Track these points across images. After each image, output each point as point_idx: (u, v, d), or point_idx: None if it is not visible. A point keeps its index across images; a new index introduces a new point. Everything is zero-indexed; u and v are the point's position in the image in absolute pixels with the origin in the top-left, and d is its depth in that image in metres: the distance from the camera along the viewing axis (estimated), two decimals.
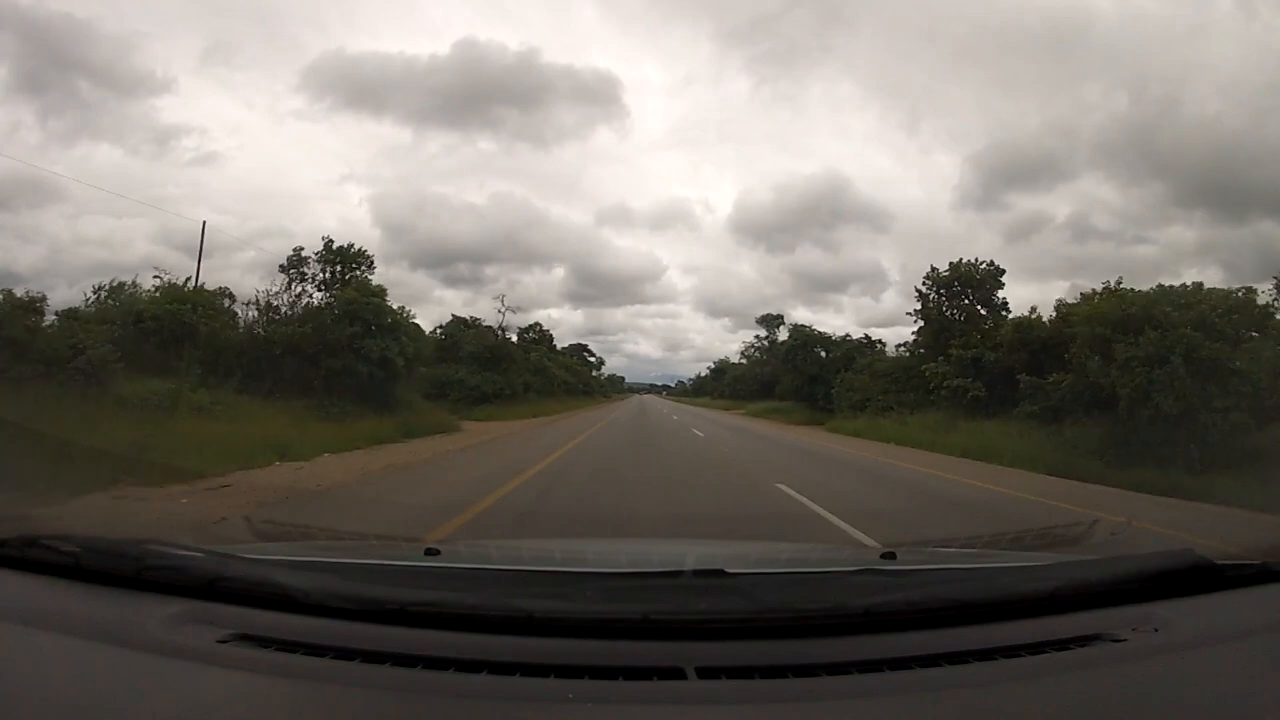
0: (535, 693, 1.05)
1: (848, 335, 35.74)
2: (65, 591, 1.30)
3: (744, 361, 62.92)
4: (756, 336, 59.86)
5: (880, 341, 33.48)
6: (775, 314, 56.68)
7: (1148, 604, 1.35)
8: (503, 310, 38.06)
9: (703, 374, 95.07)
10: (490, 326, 35.38)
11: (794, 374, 35.64)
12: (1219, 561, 1.44)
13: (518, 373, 32.75)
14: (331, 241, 19.29)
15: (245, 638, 1.15)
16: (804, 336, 37.03)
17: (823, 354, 34.86)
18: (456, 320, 35.62)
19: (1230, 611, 1.38)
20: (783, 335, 47.53)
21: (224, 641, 1.14)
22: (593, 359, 79.18)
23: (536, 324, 50.10)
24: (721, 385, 69.39)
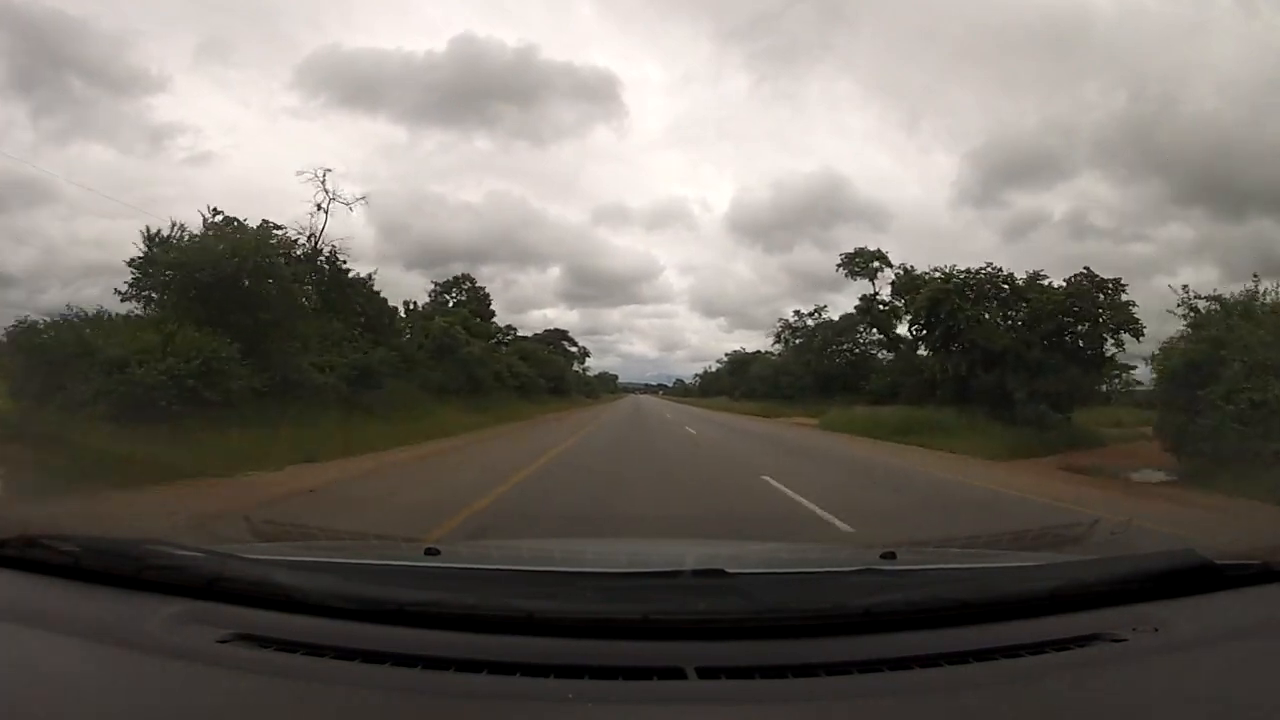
0: (535, 693, 1.05)
1: (1038, 273, 17.77)
2: (65, 591, 1.30)
3: (778, 350, 43.87)
4: (796, 313, 41.30)
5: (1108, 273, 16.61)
6: (874, 250, 32.48)
7: (1148, 604, 1.35)
8: (324, 204, 17.21)
9: (711, 369, 79.58)
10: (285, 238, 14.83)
11: (946, 356, 18.18)
12: (1219, 561, 1.44)
13: (286, 348, 13.27)
14: None
15: (245, 638, 1.15)
16: (940, 291, 18.16)
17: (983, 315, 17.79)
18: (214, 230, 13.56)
19: (1230, 611, 1.38)
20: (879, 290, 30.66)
21: (224, 641, 1.14)
22: (574, 349, 65.10)
23: (465, 277, 34.20)
24: (745, 382, 52.09)
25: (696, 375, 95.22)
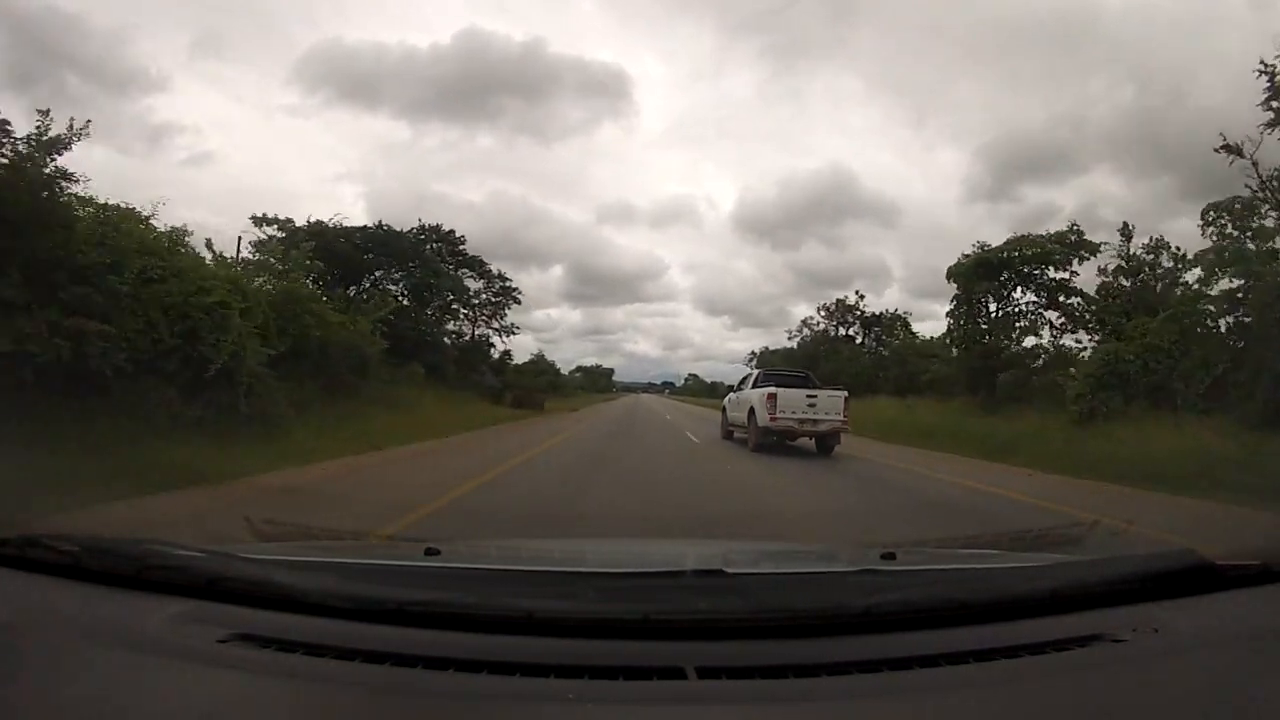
0: (535, 693, 1.05)
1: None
2: (65, 591, 1.30)
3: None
4: None
5: None
6: None
7: (1148, 604, 1.35)
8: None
9: (764, 351, 50.58)
10: None
11: None
12: (1219, 562, 1.45)
13: None
14: None
15: (245, 638, 1.15)
16: None
17: None
18: None
19: (1230, 612, 1.38)
20: None
21: (224, 641, 1.14)
22: (475, 281, 31.78)
23: None
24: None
25: (749, 355, 56.70)
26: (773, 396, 13.23)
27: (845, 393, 13.86)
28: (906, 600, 1.30)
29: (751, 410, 13.89)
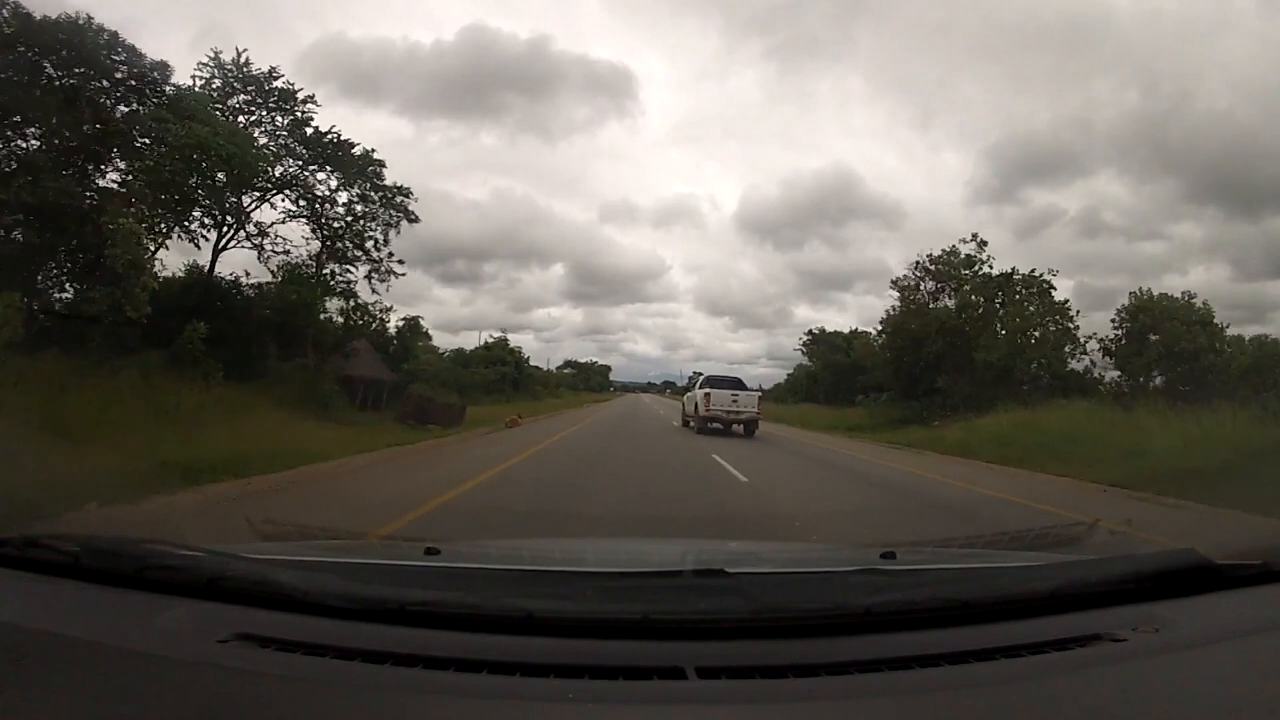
0: (535, 692, 1.05)
1: None
2: (65, 591, 1.30)
3: None
4: None
5: None
6: None
7: (1148, 604, 1.35)
8: None
9: (820, 332, 40.67)
10: None
11: None
12: (1219, 561, 1.45)
13: None
14: None
15: (245, 637, 1.15)
16: None
17: None
18: None
19: (1230, 611, 1.38)
20: None
21: (224, 641, 1.14)
22: (372, 191, 16.12)
23: None
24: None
25: (805, 336, 43.69)
26: (708, 394, 18.83)
27: (759, 392, 20.10)
28: (907, 600, 1.30)
29: (696, 404, 19.59)
